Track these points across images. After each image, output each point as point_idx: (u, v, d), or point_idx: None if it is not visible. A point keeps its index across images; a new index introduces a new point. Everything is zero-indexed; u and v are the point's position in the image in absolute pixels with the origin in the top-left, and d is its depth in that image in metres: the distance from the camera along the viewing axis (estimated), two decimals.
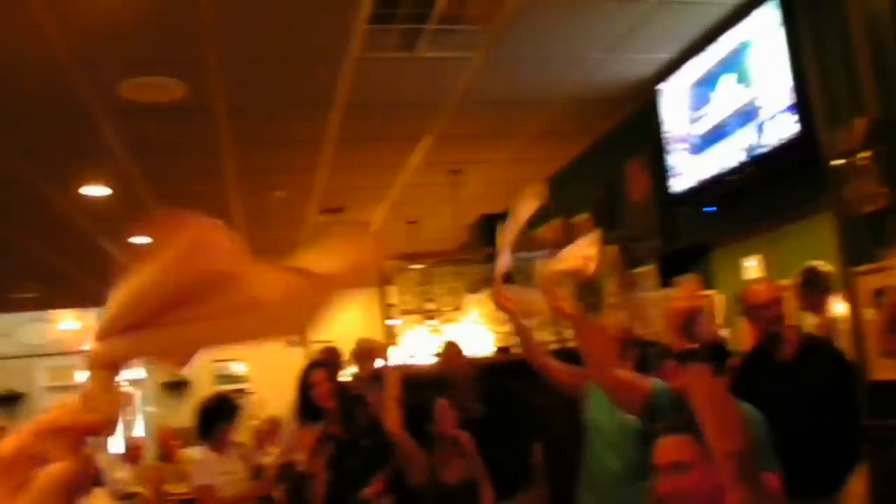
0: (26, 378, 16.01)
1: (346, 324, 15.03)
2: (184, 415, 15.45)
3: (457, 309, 7.24)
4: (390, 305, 6.94)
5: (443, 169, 7.56)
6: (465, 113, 6.16)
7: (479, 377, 4.83)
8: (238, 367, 16.02)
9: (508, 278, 7.39)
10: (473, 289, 7.31)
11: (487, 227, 9.49)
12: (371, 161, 7.20)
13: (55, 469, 0.92)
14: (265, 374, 14.24)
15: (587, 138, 7.14)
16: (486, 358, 6.41)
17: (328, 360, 6.46)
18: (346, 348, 6.90)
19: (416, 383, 4.70)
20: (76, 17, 4.26)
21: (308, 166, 7.08)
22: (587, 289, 6.94)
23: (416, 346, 7.21)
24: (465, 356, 5.02)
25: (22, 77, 4.93)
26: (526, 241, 8.75)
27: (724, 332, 5.50)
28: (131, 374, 16.46)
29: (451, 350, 5.08)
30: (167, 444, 10.14)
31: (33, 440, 0.92)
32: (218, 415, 5.69)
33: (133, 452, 10.94)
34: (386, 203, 8.74)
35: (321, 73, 5.21)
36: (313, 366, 6.40)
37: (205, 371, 15.74)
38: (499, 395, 4.77)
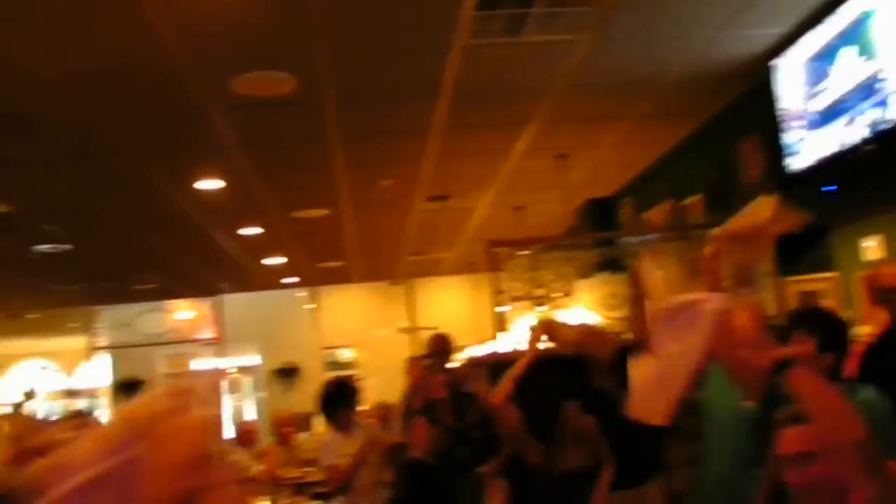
0: (146, 365, 16.60)
1: (454, 310, 15.14)
2: (294, 400, 15.85)
3: (567, 295, 7.16)
4: (499, 292, 6.92)
5: (549, 154, 7.50)
6: (572, 96, 6.08)
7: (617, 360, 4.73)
8: (346, 354, 16.26)
9: (614, 263, 7.31)
10: (584, 274, 7.22)
11: (595, 212, 9.40)
12: (477, 148, 7.20)
13: None
14: (373, 360, 14.44)
15: (698, 118, 6.96)
16: None
17: (437, 351, 6.53)
18: (456, 334, 6.92)
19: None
20: (189, 18, 4.37)
21: (415, 155, 7.12)
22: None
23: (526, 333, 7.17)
24: (603, 336, 4.94)
25: (139, 79, 5.09)
26: (635, 225, 8.65)
27: (846, 314, 5.31)
28: (244, 360, 16.92)
29: (588, 331, 5.02)
30: (282, 429, 10.38)
31: None
32: (339, 398, 5.82)
33: (245, 437, 11.25)
34: (492, 189, 8.73)
35: (429, 62, 5.21)
36: (423, 359, 6.48)
37: (314, 358, 16.05)
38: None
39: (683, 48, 5.45)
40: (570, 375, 3.70)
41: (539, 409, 3.51)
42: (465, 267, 13.64)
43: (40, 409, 17.36)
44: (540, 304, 7.09)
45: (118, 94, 5.29)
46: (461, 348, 9.67)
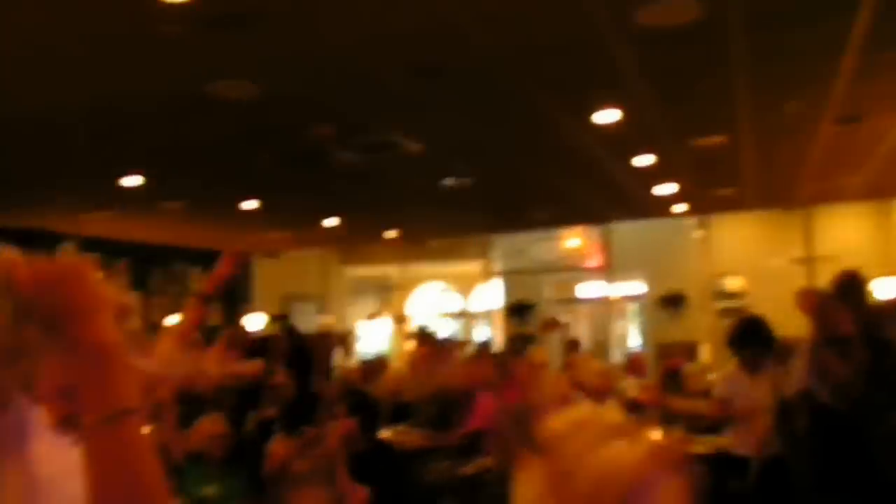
0: (535, 290, 17.35)
1: (856, 240, 14.13)
2: (679, 329, 15.74)
3: None
4: None
5: None
6: None
7: None
8: (735, 283, 15.75)
9: None
10: None
11: None
12: None
13: None
14: (764, 292, 13.86)
15: None
16: None
17: (848, 290, 6.08)
18: (859, 266, 6.38)
19: None
20: None
21: (825, 75, 6.59)
22: None
23: None
24: None
25: (546, 19, 5.18)
26: None
27: None
28: (629, 289, 17.04)
29: None
30: (671, 362, 10.45)
31: None
32: (751, 336, 5.68)
33: (636, 364, 11.42)
34: None
35: None
36: (830, 299, 6.07)
37: (701, 287, 15.78)
38: None
39: None
40: None
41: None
42: (872, 193, 12.57)
43: (439, 328, 18.88)
44: None
45: (524, 35, 5.44)
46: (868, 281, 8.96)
